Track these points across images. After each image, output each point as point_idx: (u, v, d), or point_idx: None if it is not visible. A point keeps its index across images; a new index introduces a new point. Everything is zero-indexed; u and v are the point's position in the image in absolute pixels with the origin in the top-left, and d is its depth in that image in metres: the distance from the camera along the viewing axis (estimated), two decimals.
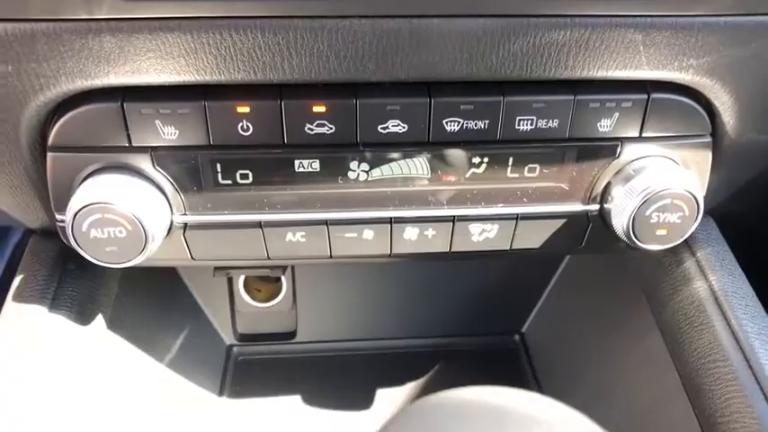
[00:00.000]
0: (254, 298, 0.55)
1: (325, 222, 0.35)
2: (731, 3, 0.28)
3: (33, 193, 0.36)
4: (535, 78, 0.31)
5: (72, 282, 0.39)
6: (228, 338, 0.55)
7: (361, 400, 0.51)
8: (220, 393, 0.50)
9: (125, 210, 0.31)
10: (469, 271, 0.47)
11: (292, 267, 0.53)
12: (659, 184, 0.33)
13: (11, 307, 0.37)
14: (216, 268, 0.46)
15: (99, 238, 0.31)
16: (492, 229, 0.35)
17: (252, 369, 0.53)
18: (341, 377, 0.53)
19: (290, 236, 0.35)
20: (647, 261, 0.40)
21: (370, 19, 0.28)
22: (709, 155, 0.34)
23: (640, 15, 0.28)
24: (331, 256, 0.36)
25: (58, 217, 0.34)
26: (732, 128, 0.34)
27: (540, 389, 0.52)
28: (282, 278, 0.54)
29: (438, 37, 0.29)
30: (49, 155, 0.32)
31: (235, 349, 0.54)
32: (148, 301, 0.46)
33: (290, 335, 0.55)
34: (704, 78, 0.31)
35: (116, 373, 0.42)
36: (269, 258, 0.36)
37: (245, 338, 0.55)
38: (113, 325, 0.42)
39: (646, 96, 0.32)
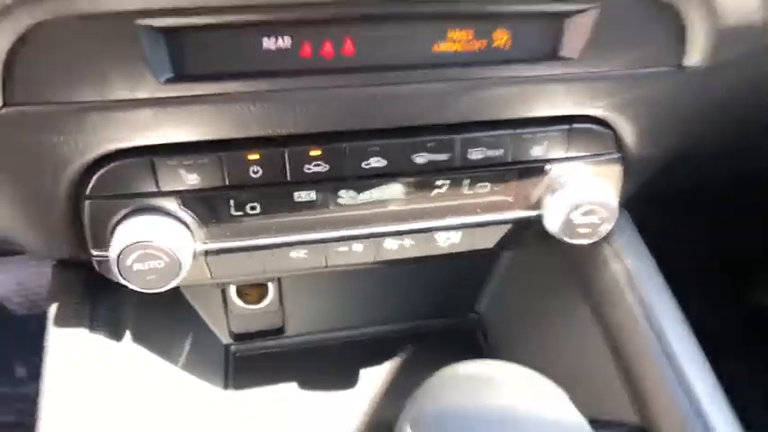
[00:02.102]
0: (245, 302, 0.62)
1: (322, 241, 0.42)
2: (628, 61, 0.38)
3: (65, 234, 0.41)
4: (483, 119, 0.39)
5: (102, 304, 0.45)
6: (225, 339, 0.62)
7: (345, 381, 0.59)
8: (225, 387, 0.57)
9: (162, 245, 0.37)
10: (432, 261, 0.56)
11: (280, 289, 0.60)
12: (581, 194, 0.42)
13: (56, 331, 0.43)
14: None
15: (141, 269, 0.38)
16: (456, 236, 0.44)
17: (249, 363, 0.60)
18: (326, 363, 0.61)
19: (293, 254, 0.43)
20: (575, 250, 0.50)
21: (356, 89, 0.35)
22: (619, 168, 0.44)
23: (562, 74, 0.37)
24: (326, 266, 0.44)
25: (96, 253, 0.40)
26: (634, 146, 0.43)
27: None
28: (268, 282, 0.61)
29: (409, 97, 0.37)
30: (87, 202, 0.38)
31: (232, 348, 0.61)
32: (158, 315, 0.52)
33: (279, 330, 0.62)
34: (610, 113, 0.41)
35: (146, 377, 0.48)
36: (279, 272, 0.43)
37: (240, 338, 0.62)
38: (136, 337, 0.48)
39: (568, 127, 0.41)
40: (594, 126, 0.42)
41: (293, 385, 0.58)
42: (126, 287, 0.44)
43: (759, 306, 1.14)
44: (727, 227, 0.95)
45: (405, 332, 0.62)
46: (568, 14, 0.35)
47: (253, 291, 0.62)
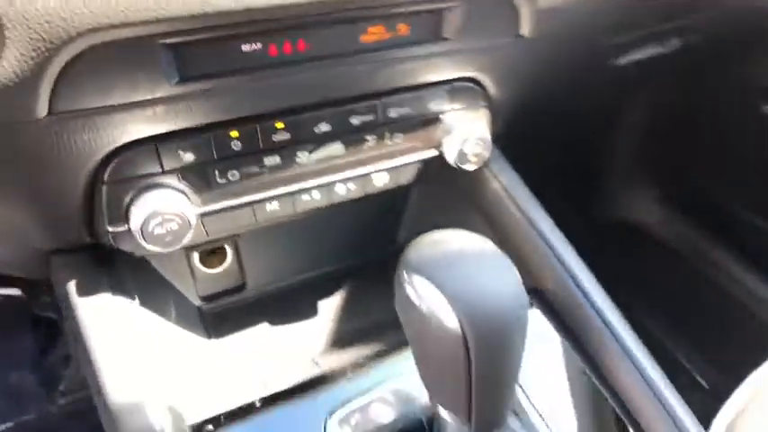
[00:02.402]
0: (208, 267, 0.73)
1: (290, 193, 0.56)
2: (486, 36, 0.55)
3: (76, 220, 0.51)
4: (396, 87, 0.55)
5: (110, 276, 0.55)
6: (197, 302, 0.72)
7: (308, 315, 0.73)
8: (209, 338, 0.68)
9: (175, 210, 0.49)
10: (363, 205, 0.70)
11: (237, 247, 0.71)
12: (467, 132, 0.59)
13: (83, 302, 0.52)
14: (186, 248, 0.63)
15: (161, 233, 0.49)
16: (386, 176, 0.60)
17: (221, 318, 0.71)
18: (286, 305, 0.74)
19: (268, 207, 0.56)
20: (466, 176, 0.67)
21: (309, 73, 0.49)
22: (489, 113, 0.62)
23: (446, 50, 0.54)
24: (295, 212, 0.57)
25: (112, 229, 0.50)
26: (497, 97, 0.62)
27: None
28: (226, 246, 0.73)
29: (345, 75, 0.51)
30: (104, 188, 0.48)
31: (203, 308, 0.72)
32: (145, 285, 0.62)
33: (241, 287, 0.74)
34: (479, 74, 0.58)
35: (160, 332, 0.59)
36: (256, 222, 0.56)
37: (208, 299, 0.73)
38: (142, 303, 0.58)
39: (452, 87, 0.58)
40: (470, 84, 0.59)
41: (265, 326, 0.71)
42: (120, 262, 0.55)
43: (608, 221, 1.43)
44: (577, 152, 1.21)
45: (347, 268, 0.76)
46: (446, 9, 0.52)
47: (213, 257, 0.73)
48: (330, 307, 0.73)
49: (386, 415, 0.50)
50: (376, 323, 0.68)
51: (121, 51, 0.41)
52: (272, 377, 0.59)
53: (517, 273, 0.40)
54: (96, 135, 0.45)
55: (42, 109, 0.41)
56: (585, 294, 0.60)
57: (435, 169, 0.62)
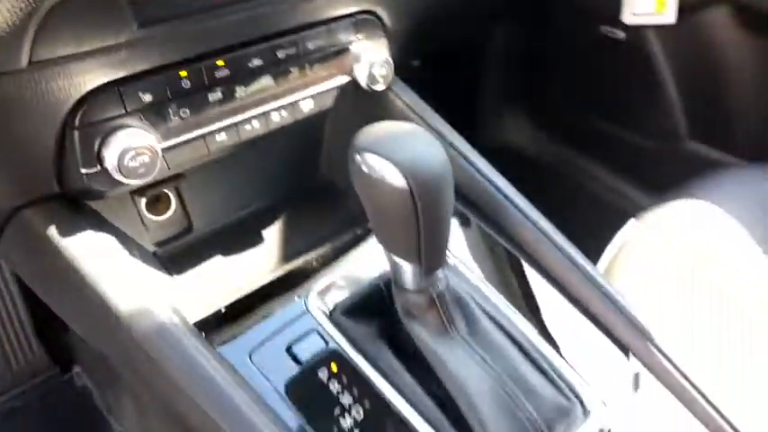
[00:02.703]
0: (155, 215, 0.79)
1: (234, 124, 0.64)
2: None
3: (45, 169, 0.56)
4: (312, 21, 0.65)
5: (75, 229, 0.60)
6: (150, 248, 0.78)
7: (259, 245, 0.81)
8: (171, 276, 0.75)
9: (144, 143, 0.56)
10: (285, 139, 0.78)
11: (178, 191, 0.78)
12: (370, 54, 0.70)
13: (66, 248, 0.57)
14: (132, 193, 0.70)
15: (134, 165, 0.56)
16: (312, 102, 0.70)
17: (178, 258, 0.78)
18: (234, 237, 0.82)
19: (218, 137, 0.64)
20: (375, 97, 0.78)
21: (241, 14, 0.58)
22: (386, 41, 0.74)
23: None
24: (240, 140, 0.66)
25: (85, 171, 0.56)
26: (393, 26, 0.73)
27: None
28: (168, 193, 0.79)
29: (268, 15, 0.61)
30: (76, 133, 0.54)
31: (158, 252, 0.78)
32: (104, 235, 0.68)
33: (189, 229, 0.81)
34: (376, 7, 0.70)
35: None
36: (209, 153, 0.64)
37: (160, 244, 0.79)
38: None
39: (355, 19, 0.69)
40: (370, 17, 0.70)
41: (219, 257, 0.79)
42: (77, 218, 0.61)
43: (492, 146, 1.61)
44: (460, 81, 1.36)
45: (282, 199, 0.85)
46: None
47: (159, 205, 0.79)
48: (279, 231, 0.82)
49: (352, 286, 0.62)
50: (319, 237, 0.78)
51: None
52: (241, 284, 0.68)
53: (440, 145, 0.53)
54: (69, 82, 0.51)
55: (24, 59, 0.47)
56: (495, 186, 0.74)
57: (350, 93, 0.73)
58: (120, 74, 0.54)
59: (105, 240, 0.62)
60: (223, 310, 0.64)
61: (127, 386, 0.93)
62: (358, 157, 0.50)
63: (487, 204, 0.71)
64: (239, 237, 0.81)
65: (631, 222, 1.02)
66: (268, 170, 0.83)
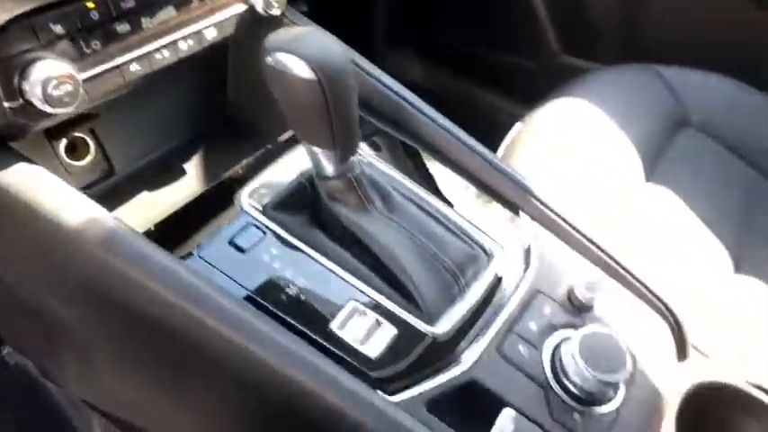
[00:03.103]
0: (75, 160, 0.81)
1: (146, 53, 0.68)
2: None
3: None
4: None
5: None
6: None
7: (183, 177, 0.85)
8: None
9: (64, 72, 0.59)
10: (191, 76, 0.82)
11: (94, 134, 0.81)
12: None
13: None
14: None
15: (58, 93, 0.59)
16: (214, 31, 0.74)
17: (105, 198, 0.81)
18: (162, 176, 0.85)
19: (132, 68, 0.68)
20: (273, 22, 0.83)
21: None
22: None
23: None
24: (152, 70, 0.70)
25: (8, 105, 0.59)
26: None
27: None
28: (86, 138, 0.82)
29: None
30: None
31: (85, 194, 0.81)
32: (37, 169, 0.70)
33: (111, 171, 0.84)
34: None
35: None
36: (125, 83, 0.68)
37: (86, 188, 0.82)
38: None
39: None
40: None
41: (144, 194, 0.83)
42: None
43: None
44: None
45: (201, 132, 0.90)
46: None
47: (78, 151, 0.82)
48: (199, 161, 0.87)
49: (279, 186, 0.69)
50: (238, 157, 0.84)
51: None
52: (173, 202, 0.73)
53: (338, 41, 0.60)
54: None
55: None
56: (401, 96, 0.81)
57: (249, 21, 0.79)
58: (30, 6, 0.57)
59: (37, 173, 0.65)
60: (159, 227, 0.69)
61: (67, 347, 0.96)
62: (269, 58, 0.57)
63: (387, 107, 0.80)
64: (162, 171, 0.85)
65: (516, 126, 1.15)
66: (181, 105, 0.87)
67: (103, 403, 0.89)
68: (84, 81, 0.64)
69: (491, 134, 1.15)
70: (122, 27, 0.66)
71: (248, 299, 0.59)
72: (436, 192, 0.76)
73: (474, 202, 0.76)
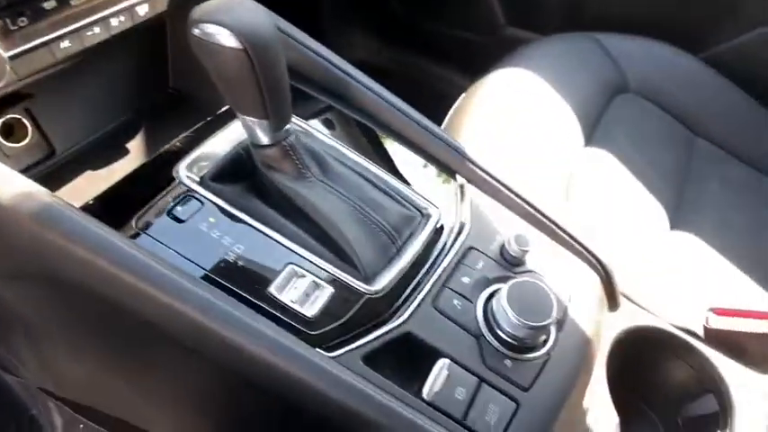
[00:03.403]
0: (12, 141, 0.81)
1: (74, 30, 0.68)
2: None
3: None
4: None
5: None
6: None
7: (125, 157, 0.86)
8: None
9: None
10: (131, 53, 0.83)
11: (32, 115, 0.80)
12: None
13: None
14: None
15: None
16: (146, 7, 0.75)
17: (46, 179, 0.82)
18: (103, 154, 0.86)
19: (62, 44, 0.68)
20: None
21: None
22: None
23: None
24: (84, 47, 0.70)
25: None
26: None
27: None
28: (23, 119, 0.81)
29: None
30: None
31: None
32: None
33: (52, 153, 0.84)
34: None
35: None
36: (56, 60, 0.68)
37: (26, 170, 0.82)
38: None
39: None
40: None
41: (87, 173, 0.83)
42: None
43: None
44: None
45: (139, 112, 0.90)
46: None
47: (17, 134, 0.81)
48: (140, 140, 0.87)
49: (216, 157, 0.70)
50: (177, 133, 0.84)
51: None
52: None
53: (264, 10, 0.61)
54: None
55: None
56: (333, 63, 0.82)
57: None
58: None
59: None
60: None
61: (16, 331, 0.95)
62: (196, 30, 0.57)
63: (318, 75, 0.80)
64: (105, 150, 0.85)
65: (462, 95, 1.17)
66: (122, 83, 0.87)
67: (60, 389, 0.89)
68: (11, 58, 0.64)
69: (442, 106, 1.18)
70: (49, 3, 0.66)
71: (188, 267, 0.60)
72: (391, 168, 0.77)
73: (421, 171, 0.78)
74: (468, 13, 1.67)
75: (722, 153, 1.22)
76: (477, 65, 1.46)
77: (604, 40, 1.28)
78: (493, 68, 1.23)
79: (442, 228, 0.71)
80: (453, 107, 1.14)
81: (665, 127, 1.22)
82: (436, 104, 1.58)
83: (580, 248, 0.76)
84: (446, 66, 1.75)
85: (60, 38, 0.67)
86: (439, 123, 1.10)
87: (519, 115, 1.09)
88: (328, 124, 0.86)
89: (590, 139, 1.14)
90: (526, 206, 0.75)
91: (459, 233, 0.70)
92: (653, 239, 1.03)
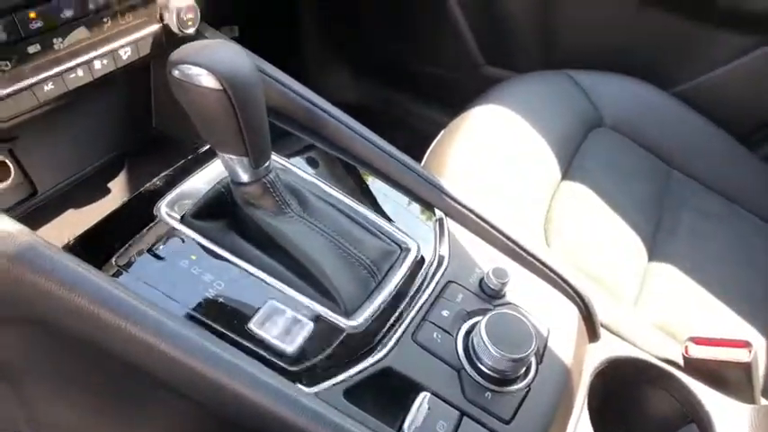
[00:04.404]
0: None
1: (58, 73, 0.70)
2: None
3: None
4: None
5: None
6: None
7: (106, 196, 0.86)
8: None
9: None
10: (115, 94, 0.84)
11: (14, 156, 0.81)
12: (178, 3, 0.79)
13: None
14: None
15: None
16: (129, 50, 0.76)
17: (27, 218, 0.82)
18: (84, 194, 0.86)
19: (45, 88, 0.69)
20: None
21: None
22: None
23: None
24: (68, 89, 0.71)
25: None
26: None
27: None
28: (6, 161, 0.82)
29: None
30: None
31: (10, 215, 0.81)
32: None
33: (33, 193, 0.85)
34: None
35: None
36: (39, 103, 0.69)
37: (9, 210, 0.82)
38: None
39: None
40: None
41: (69, 212, 0.83)
42: None
43: None
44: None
45: (124, 153, 0.91)
46: None
47: None
48: (121, 181, 0.88)
49: (196, 196, 0.71)
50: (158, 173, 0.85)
51: None
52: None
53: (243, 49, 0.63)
54: None
55: None
56: (312, 102, 0.84)
57: (165, 40, 0.81)
58: None
59: None
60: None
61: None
62: (176, 72, 0.59)
63: (298, 113, 0.82)
64: (86, 190, 0.86)
65: (441, 132, 1.20)
66: (104, 124, 0.88)
67: None
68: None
69: (422, 143, 1.21)
70: (33, 48, 0.67)
71: (168, 305, 0.60)
72: (372, 204, 0.78)
73: (402, 206, 0.79)
74: (447, 52, 1.71)
75: (696, 184, 1.25)
76: (456, 102, 1.50)
77: (578, 77, 1.33)
78: (471, 105, 1.26)
79: (421, 261, 0.72)
80: (433, 143, 1.17)
81: (640, 160, 1.25)
82: (416, 141, 1.61)
83: (559, 280, 0.77)
84: (425, 103, 1.79)
85: (44, 81, 0.68)
86: (419, 159, 1.12)
87: (497, 150, 1.11)
88: (311, 162, 0.88)
89: (567, 173, 1.17)
90: (505, 239, 0.77)
91: (438, 267, 0.71)
92: (631, 270, 1.04)
